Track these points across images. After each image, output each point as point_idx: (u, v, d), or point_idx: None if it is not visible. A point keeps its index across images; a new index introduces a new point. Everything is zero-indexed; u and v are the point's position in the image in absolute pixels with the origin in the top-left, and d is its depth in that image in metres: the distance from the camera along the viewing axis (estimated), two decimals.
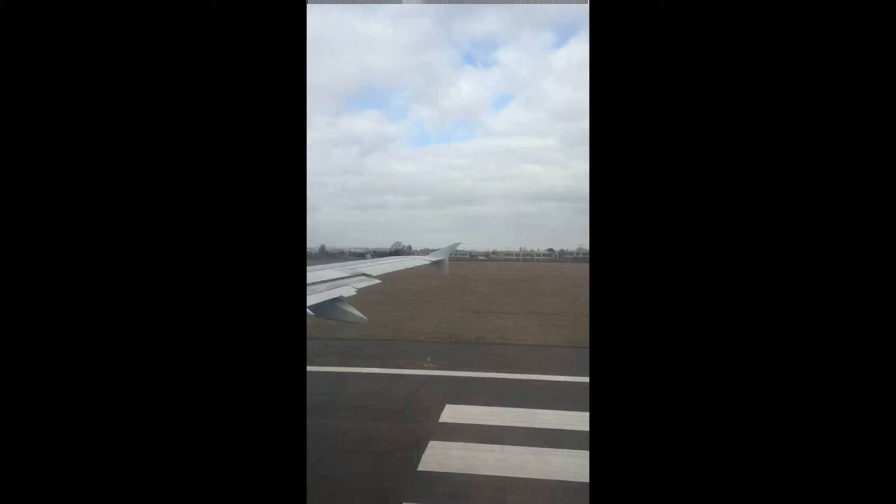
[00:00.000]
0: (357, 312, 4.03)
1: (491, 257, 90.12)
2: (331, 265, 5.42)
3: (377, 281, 4.95)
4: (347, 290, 4.29)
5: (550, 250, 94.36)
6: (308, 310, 3.62)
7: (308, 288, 3.95)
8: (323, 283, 4.34)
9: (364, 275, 4.92)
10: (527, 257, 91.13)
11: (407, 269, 6.71)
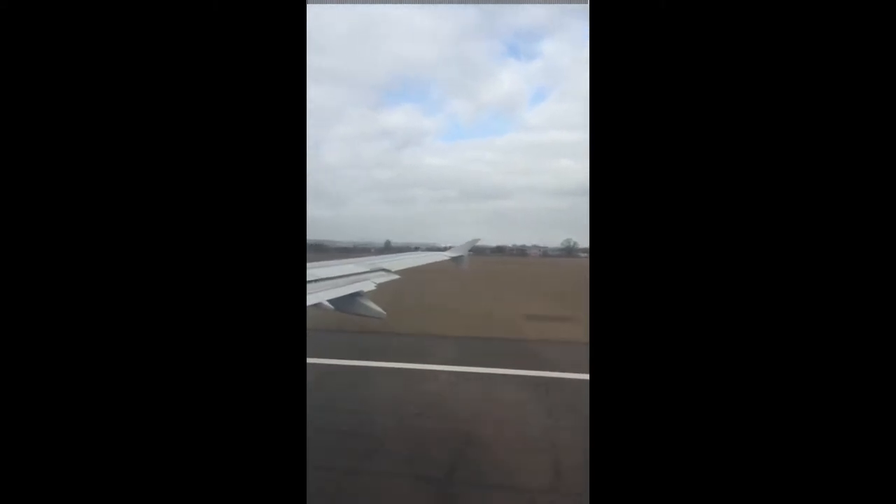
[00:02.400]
0: (376, 307, 4.09)
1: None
2: (352, 260, 5.50)
3: (396, 276, 5.00)
4: (367, 285, 4.36)
5: None
6: (328, 303, 3.71)
7: (328, 282, 4.03)
8: (343, 278, 4.41)
9: (384, 270, 4.97)
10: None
11: (426, 265, 6.74)
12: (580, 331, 9.29)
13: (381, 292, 4.38)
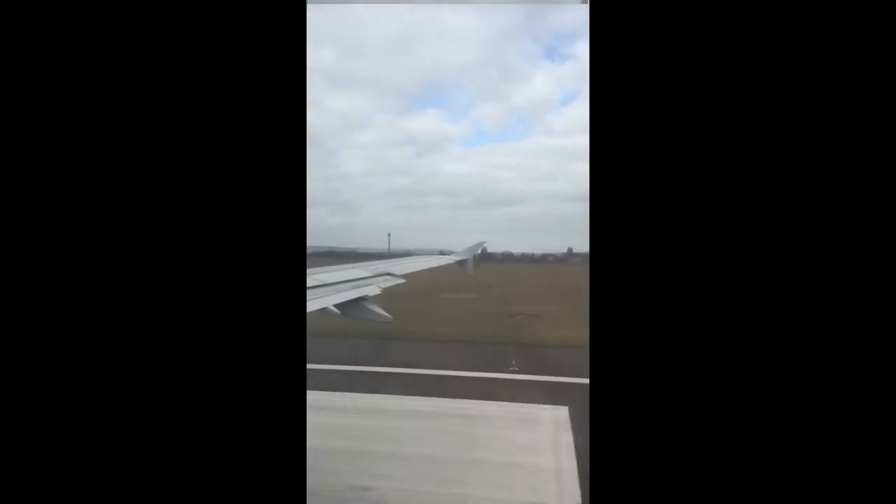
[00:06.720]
0: (381, 311, 4.10)
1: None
2: (358, 265, 5.52)
3: (402, 280, 5.01)
4: (373, 290, 4.37)
5: None
6: (334, 308, 3.72)
7: (333, 287, 4.05)
8: (349, 283, 4.43)
9: (389, 274, 4.99)
10: None
11: (431, 269, 6.75)
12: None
13: (385, 296, 4.39)
